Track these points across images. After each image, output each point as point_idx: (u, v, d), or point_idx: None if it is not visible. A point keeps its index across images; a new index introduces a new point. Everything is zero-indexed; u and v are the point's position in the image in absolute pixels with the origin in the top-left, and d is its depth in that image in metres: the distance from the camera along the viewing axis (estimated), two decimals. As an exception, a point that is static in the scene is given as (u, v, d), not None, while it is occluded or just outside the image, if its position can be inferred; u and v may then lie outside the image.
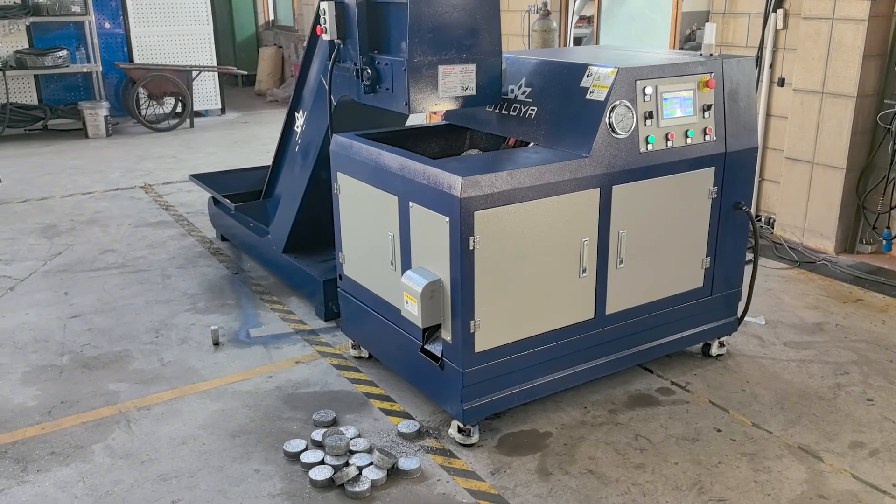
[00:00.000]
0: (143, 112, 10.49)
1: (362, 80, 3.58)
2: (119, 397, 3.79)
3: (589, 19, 8.58)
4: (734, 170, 3.73)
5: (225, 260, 5.63)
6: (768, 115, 6.05)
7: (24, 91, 10.28)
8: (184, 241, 6.07)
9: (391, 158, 3.42)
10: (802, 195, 5.70)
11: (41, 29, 10.25)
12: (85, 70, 10.34)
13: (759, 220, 6.19)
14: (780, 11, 5.79)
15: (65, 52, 10.08)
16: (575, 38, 8.78)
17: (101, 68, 10.38)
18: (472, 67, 3.44)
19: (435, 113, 3.67)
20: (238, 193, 5.58)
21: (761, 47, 5.95)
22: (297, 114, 4.80)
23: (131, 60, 10.83)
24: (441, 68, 3.36)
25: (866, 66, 5.21)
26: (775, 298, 4.85)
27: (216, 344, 4.31)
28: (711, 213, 3.74)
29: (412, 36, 3.26)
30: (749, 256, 4.10)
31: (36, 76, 10.24)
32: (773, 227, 6.01)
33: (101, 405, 3.71)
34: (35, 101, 10.34)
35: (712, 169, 3.65)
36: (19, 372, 4.04)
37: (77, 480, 3.15)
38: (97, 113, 10.02)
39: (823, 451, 3.29)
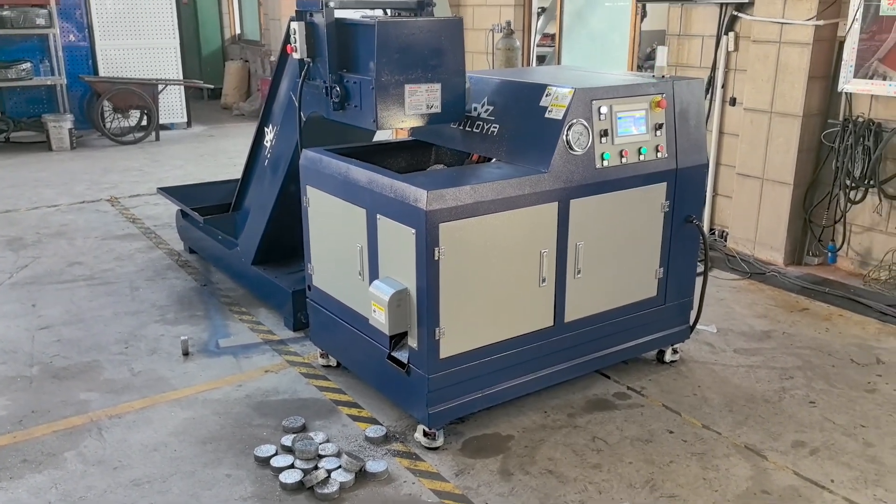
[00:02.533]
0: (108, 125, 10.48)
1: (331, 98, 3.72)
2: (90, 406, 3.85)
3: (552, 37, 8.82)
4: (685, 185, 3.94)
5: (193, 272, 5.70)
6: (721, 132, 6.32)
7: (-14, 103, 10.22)
8: (151, 253, 6.12)
9: (359, 173, 3.56)
10: (753, 209, 5.96)
11: (4, 41, 10.19)
12: (49, 83, 10.31)
13: (714, 233, 6.45)
14: (731, 34, 6.07)
15: (28, 65, 10.05)
16: (538, 56, 9.01)
17: (65, 81, 10.34)
18: (437, 86, 3.60)
19: (402, 129, 3.81)
20: (206, 206, 5.67)
21: (714, 68, 6.22)
22: (266, 129, 4.91)
23: (96, 73, 10.82)
24: (407, 87, 3.51)
25: (811, 87, 5.49)
26: (726, 308, 5.08)
27: (186, 354, 4.39)
28: (664, 226, 3.94)
29: (380, 56, 3.42)
30: (700, 268, 4.32)
31: (-2, 88, 10.20)
32: (726, 240, 6.27)
33: (73, 414, 3.77)
34: (-3, 114, 10.29)
35: (664, 184, 3.85)
36: (-12, 382, 4.08)
37: (50, 486, 3.21)
38: (61, 126, 9.99)
39: (768, 449, 3.49)
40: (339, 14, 3.67)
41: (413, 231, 3.20)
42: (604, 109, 3.57)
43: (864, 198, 5.38)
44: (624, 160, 3.67)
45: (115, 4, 10.87)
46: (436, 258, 3.19)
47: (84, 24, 10.75)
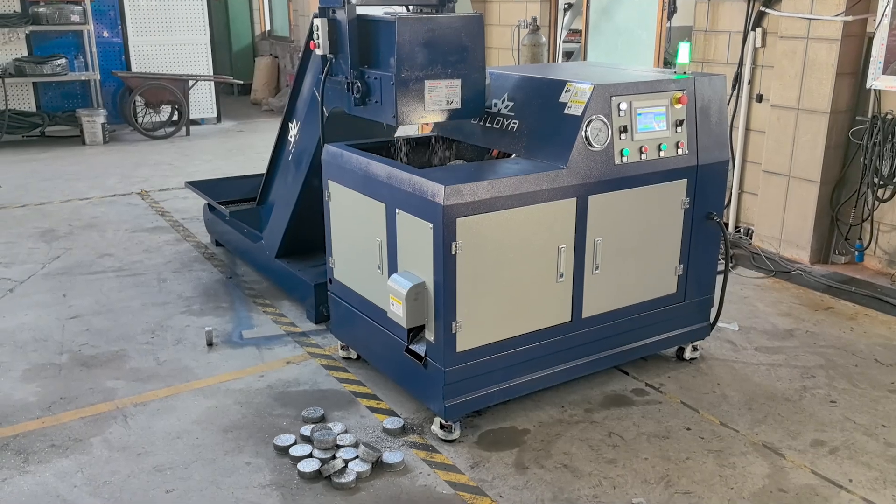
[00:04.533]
0: (140, 120, 10.67)
1: (353, 93, 3.76)
2: (116, 394, 3.94)
3: (579, 33, 8.78)
4: (706, 181, 3.92)
5: (219, 265, 5.80)
6: (747, 129, 6.26)
7: (22, 98, 10.45)
8: (179, 246, 6.23)
9: (379, 167, 3.60)
10: (779, 207, 5.90)
11: (40, 37, 10.42)
12: (83, 78, 10.52)
13: (739, 231, 6.39)
14: (758, 30, 6.01)
15: (63, 61, 10.25)
16: (565, 52, 8.98)
17: (98, 76, 10.55)
18: (457, 82, 3.63)
19: (427, 125, 3.85)
20: (233, 200, 5.76)
21: (741, 64, 6.16)
22: (290, 124, 4.98)
23: (129, 69, 11.01)
24: (427, 83, 3.54)
25: (839, 83, 5.42)
26: (750, 306, 5.04)
27: (210, 344, 4.48)
28: (684, 223, 3.93)
29: (400, 52, 3.45)
30: (722, 265, 4.29)
31: (34, 84, 10.41)
32: (751, 238, 6.21)
33: (99, 401, 3.87)
34: (33, 108, 10.51)
35: (685, 181, 3.84)
36: (20, 370, 4.19)
37: (76, 471, 3.31)
38: (94, 120, 10.19)
39: (786, 448, 3.47)
40: (361, 11, 3.71)
41: (430, 225, 3.24)
42: (623, 105, 3.56)
43: (892, 196, 5.30)
44: (643, 156, 3.67)
45: (148, 1, 11.05)
46: (453, 252, 3.21)
47: (117, 21, 10.95)
